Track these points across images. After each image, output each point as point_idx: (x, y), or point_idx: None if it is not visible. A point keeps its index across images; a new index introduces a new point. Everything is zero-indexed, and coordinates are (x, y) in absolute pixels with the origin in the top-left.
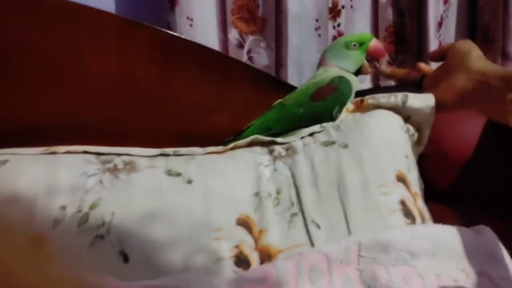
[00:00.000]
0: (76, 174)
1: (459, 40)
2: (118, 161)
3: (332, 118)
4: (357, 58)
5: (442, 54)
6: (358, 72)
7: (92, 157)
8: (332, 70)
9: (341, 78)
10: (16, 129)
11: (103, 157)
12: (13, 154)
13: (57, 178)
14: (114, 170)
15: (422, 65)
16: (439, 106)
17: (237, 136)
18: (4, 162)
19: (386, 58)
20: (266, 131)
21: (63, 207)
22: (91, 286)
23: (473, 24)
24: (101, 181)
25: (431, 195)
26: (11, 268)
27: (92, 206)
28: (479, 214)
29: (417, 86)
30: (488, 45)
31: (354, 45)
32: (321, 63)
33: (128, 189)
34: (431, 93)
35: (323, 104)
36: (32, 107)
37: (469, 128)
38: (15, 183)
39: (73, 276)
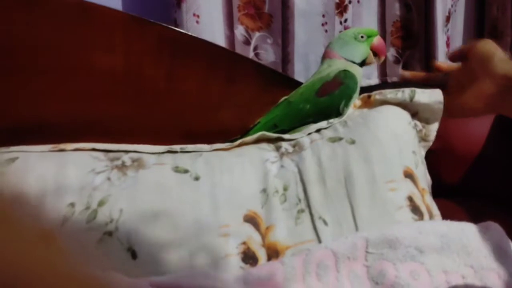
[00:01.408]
0: (85, 171)
1: (481, 39)
2: (126, 158)
3: (339, 113)
4: (364, 49)
5: (462, 55)
6: (363, 64)
7: (100, 154)
8: (337, 63)
9: (346, 72)
10: (24, 127)
11: (111, 154)
12: (22, 151)
13: (65, 175)
14: (122, 167)
15: (439, 63)
16: (468, 113)
17: (244, 134)
18: (14, 159)
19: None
20: (273, 128)
21: (72, 204)
22: (100, 282)
23: (481, 19)
24: (109, 178)
25: (439, 191)
26: (22, 264)
27: (101, 203)
28: (487, 210)
29: (443, 89)
30: (496, 39)
31: (362, 36)
32: (325, 56)
33: (136, 186)
34: (458, 99)
35: (330, 99)
36: (40, 105)
37: (478, 124)
38: (24, 180)
39: (82, 272)
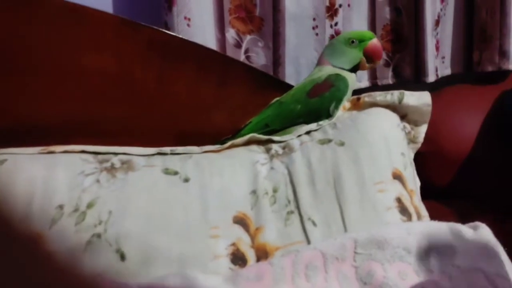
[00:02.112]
0: (74, 174)
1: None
2: (115, 160)
3: (329, 114)
4: (354, 55)
5: None
6: (356, 69)
7: (90, 157)
8: (326, 69)
9: (337, 75)
10: (15, 128)
11: (100, 157)
12: (11, 153)
13: (54, 177)
14: (111, 169)
15: None
16: None
17: (236, 134)
18: (2, 161)
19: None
20: (265, 128)
21: (60, 206)
22: (88, 284)
23: (470, 22)
24: (98, 180)
25: (427, 192)
26: (11, 266)
27: (89, 205)
28: (475, 211)
29: None
30: (485, 43)
31: (353, 41)
32: (318, 63)
33: (125, 188)
34: None
35: (320, 100)
36: (30, 107)
37: (467, 126)
38: (12, 182)
39: (70, 274)
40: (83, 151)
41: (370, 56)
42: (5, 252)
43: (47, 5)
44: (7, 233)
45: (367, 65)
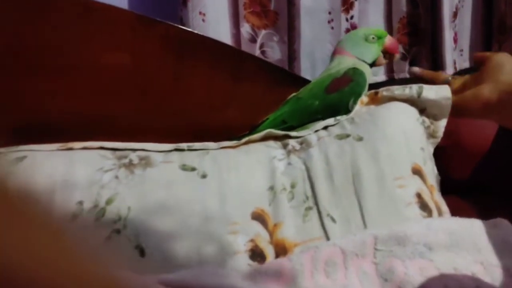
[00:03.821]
0: (93, 170)
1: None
2: (134, 156)
3: (347, 110)
4: (375, 50)
5: (481, 60)
6: (373, 64)
7: (108, 153)
8: (348, 60)
9: (355, 69)
10: (33, 125)
11: (118, 153)
12: (31, 150)
13: (73, 173)
14: (130, 166)
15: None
16: (463, 112)
17: (253, 130)
18: (22, 158)
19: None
20: (282, 124)
21: (80, 202)
22: (110, 279)
23: (489, 14)
24: (117, 176)
25: (447, 187)
26: (38, 260)
27: (109, 201)
28: (496, 207)
29: None
30: (504, 35)
31: (373, 38)
32: (336, 53)
33: (143, 184)
34: (456, 97)
35: (339, 96)
36: (46, 104)
37: (487, 120)
38: (32, 178)
39: (93, 269)
40: (101, 147)
41: (390, 52)
42: (33, 247)
43: (61, 1)
44: (31, 227)
45: (383, 61)
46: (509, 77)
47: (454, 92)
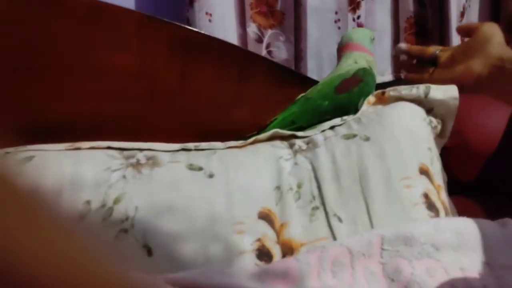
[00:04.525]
0: (100, 169)
1: (486, 22)
2: (141, 156)
3: (357, 110)
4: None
5: (468, 32)
6: None
7: (115, 153)
8: (367, 57)
9: (365, 69)
10: (40, 126)
11: (126, 153)
12: (39, 150)
13: (81, 173)
14: (137, 165)
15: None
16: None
17: (261, 130)
18: (30, 158)
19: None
20: (291, 125)
21: (88, 202)
22: (118, 278)
23: (496, 14)
24: (124, 176)
25: (455, 188)
26: (49, 259)
27: (116, 201)
28: (504, 207)
29: (432, 63)
30: (511, 35)
31: (373, 39)
32: (350, 49)
33: (151, 183)
34: (448, 72)
35: (349, 96)
36: (54, 104)
37: (494, 120)
38: (41, 178)
39: (102, 268)
40: (109, 147)
41: None
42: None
43: (68, 3)
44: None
45: None
46: (499, 50)
47: (443, 65)
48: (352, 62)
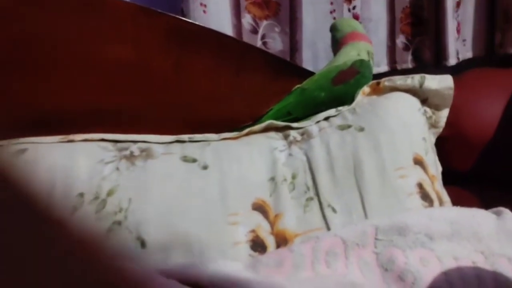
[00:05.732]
0: (93, 162)
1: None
2: (135, 148)
3: (353, 102)
4: None
5: None
6: None
7: (109, 145)
8: (368, 47)
9: (362, 61)
10: (35, 118)
11: (119, 145)
12: (32, 143)
13: (74, 165)
14: (131, 157)
15: None
16: None
17: (256, 121)
18: (23, 151)
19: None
20: (286, 116)
21: (81, 194)
22: (113, 270)
23: (492, 4)
24: (118, 168)
25: (449, 178)
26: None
27: (109, 193)
28: (498, 197)
29: None
30: (508, 24)
31: None
32: (359, 38)
33: (144, 175)
34: None
35: (345, 88)
36: (49, 97)
37: (489, 110)
38: (34, 171)
39: (98, 260)
40: (102, 139)
41: None
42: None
43: None
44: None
45: None
46: None
47: None
48: (355, 54)
